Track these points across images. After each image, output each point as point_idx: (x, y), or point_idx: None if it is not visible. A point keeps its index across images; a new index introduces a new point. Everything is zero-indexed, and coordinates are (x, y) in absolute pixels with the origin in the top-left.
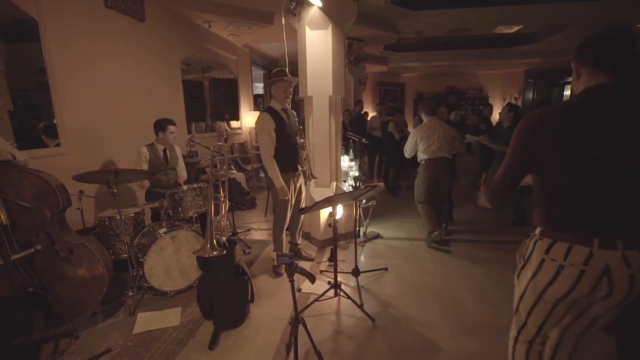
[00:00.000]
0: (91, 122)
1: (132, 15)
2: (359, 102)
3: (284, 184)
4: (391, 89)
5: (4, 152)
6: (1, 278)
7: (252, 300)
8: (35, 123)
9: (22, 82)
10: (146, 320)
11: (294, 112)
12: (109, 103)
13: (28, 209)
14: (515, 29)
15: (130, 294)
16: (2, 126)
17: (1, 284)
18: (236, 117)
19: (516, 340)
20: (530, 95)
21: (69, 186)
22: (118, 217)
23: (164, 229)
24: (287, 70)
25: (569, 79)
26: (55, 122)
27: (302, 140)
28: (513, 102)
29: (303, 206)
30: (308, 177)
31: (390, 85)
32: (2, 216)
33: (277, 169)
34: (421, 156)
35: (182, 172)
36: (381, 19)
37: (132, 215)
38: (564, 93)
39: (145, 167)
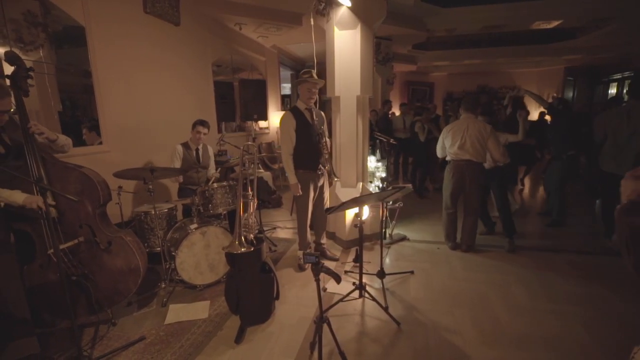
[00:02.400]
0: (129, 122)
1: (169, 20)
2: (387, 102)
3: (296, 180)
4: (420, 88)
5: (51, 132)
6: (50, 266)
7: (277, 298)
8: (81, 123)
9: (69, 85)
10: (177, 312)
11: (322, 113)
12: (146, 104)
13: (73, 202)
14: (554, 24)
15: (163, 285)
16: (52, 125)
17: (50, 272)
18: (264, 117)
19: None
20: (570, 93)
21: (110, 182)
22: (153, 212)
23: (195, 225)
24: (313, 72)
25: (615, 76)
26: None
27: (325, 140)
28: (551, 101)
29: (327, 205)
30: (331, 176)
31: (419, 85)
32: (53, 209)
33: (292, 165)
34: (447, 157)
35: (213, 171)
36: (410, 17)
37: (166, 210)
38: (609, 91)
39: (178, 163)
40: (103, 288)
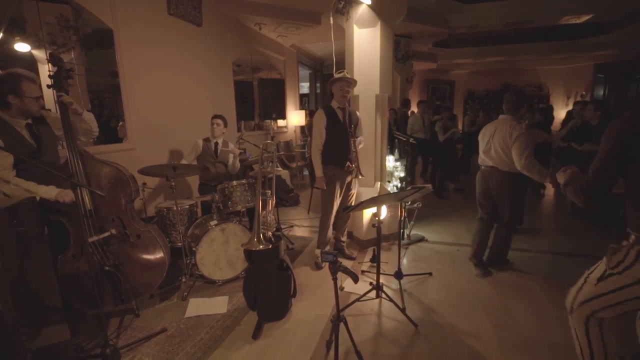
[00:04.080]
0: (153, 120)
1: (191, 21)
2: (406, 102)
3: (322, 174)
4: (440, 87)
5: (78, 105)
6: (82, 256)
7: (294, 295)
8: (109, 121)
9: (97, 85)
10: (197, 306)
11: (356, 112)
12: (168, 103)
13: (103, 197)
14: (584, 18)
15: (184, 280)
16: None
17: (82, 262)
18: (283, 116)
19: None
20: (600, 91)
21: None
22: (175, 208)
23: (215, 221)
24: (346, 71)
25: None
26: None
27: (354, 139)
28: (580, 99)
29: (352, 203)
30: (357, 175)
31: (439, 83)
32: (87, 202)
33: (320, 160)
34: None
35: (232, 167)
36: (431, 14)
37: (187, 207)
38: None
39: (192, 156)
40: (130, 280)
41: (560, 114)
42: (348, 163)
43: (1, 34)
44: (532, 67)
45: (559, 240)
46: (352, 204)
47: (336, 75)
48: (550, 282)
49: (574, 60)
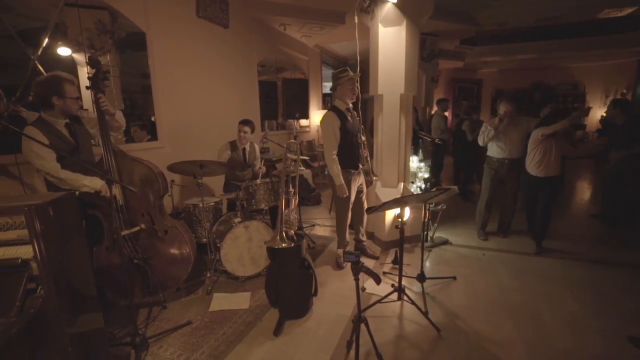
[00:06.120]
0: (182, 120)
1: (219, 23)
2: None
3: (343, 182)
4: (466, 86)
5: (111, 107)
6: (115, 249)
7: (315, 294)
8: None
9: (129, 85)
10: (220, 300)
11: (355, 112)
12: (196, 103)
13: (135, 192)
14: (627, 11)
15: (208, 275)
16: None
17: (114, 254)
18: (306, 116)
19: None
20: None
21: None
22: (201, 205)
23: (239, 219)
24: (348, 69)
25: None
26: (153, 119)
27: (363, 139)
28: (620, 97)
29: (365, 203)
30: (369, 175)
31: (466, 82)
32: (119, 197)
33: (338, 167)
34: None
35: (258, 166)
36: (459, 11)
37: (212, 204)
38: None
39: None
40: (157, 273)
41: (597, 113)
42: (359, 164)
43: (47, 40)
44: (565, 64)
45: (592, 247)
46: (365, 205)
47: (340, 75)
48: (584, 291)
49: (612, 56)
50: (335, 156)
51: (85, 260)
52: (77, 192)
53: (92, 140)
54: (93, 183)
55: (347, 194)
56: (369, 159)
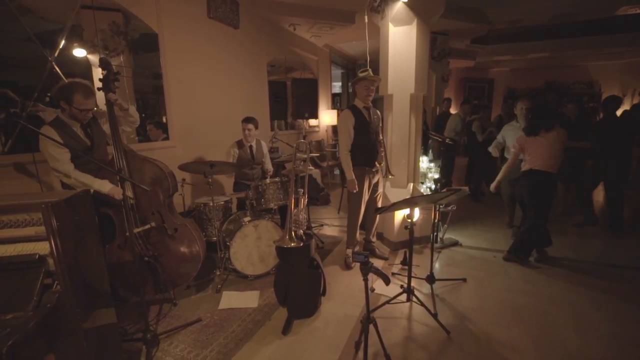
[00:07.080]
0: (193, 120)
1: (229, 24)
2: (446, 101)
3: (354, 177)
4: (477, 85)
5: (123, 102)
6: (127, 247)
7: (324, 294)
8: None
9: (142, 86)
10: (230, 298)
11: (378, 111)
12: (207, 103)
13: (146, 191)
14: None
15: (218, 273)
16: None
17: (126, 252)
18: (315, 116)
19: None
20: None
21: (174, 174)
22: (211, 204)
23: (248, 218)
24: (369, 70)
25: None
26: (165, 119)
27: (381, 138)
28: (638, 97)
29: (379, 203)
30: (385, 174)
31: (477, 82)
32: (130, 196)
33: (350, 162)
34: None
35: (268, 166)
36: (470, 9)
37: (222, 203)
38: None
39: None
40: (168, 270)
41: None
42: (375, 163)
43: (63, 41)
44: (580, 63)
45: (603, 250)
46: (379, 204)
47: (360, 75)
48: (596, 294)
49: (631, 54)
50: (348, 152)
51: (100, 256)
52: (91, 190)
53: (107, 140)
54: (102, 186)
55: (357, 189)
56: (386, 157)
